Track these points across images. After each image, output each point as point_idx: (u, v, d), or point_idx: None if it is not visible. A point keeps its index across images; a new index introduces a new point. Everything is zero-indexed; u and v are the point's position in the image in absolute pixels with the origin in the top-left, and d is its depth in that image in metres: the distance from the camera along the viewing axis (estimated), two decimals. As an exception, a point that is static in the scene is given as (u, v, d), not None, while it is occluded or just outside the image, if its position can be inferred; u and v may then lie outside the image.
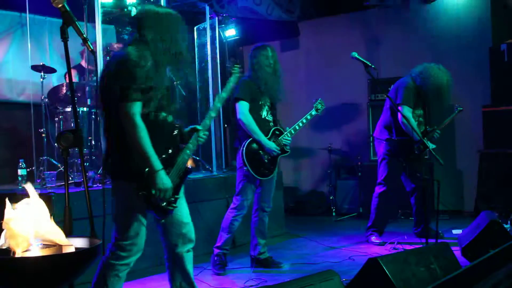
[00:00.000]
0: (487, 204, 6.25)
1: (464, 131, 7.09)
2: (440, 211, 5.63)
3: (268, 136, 4.46)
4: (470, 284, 2.45)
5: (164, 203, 2.80)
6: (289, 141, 4.54)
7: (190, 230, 3.02)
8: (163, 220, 2.89)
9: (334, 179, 7.67)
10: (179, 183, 2.92)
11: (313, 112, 4.69)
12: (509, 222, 5.40)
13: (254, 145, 4.41)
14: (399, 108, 5.03)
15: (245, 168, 4.37)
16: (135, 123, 2.64)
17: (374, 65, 4.40)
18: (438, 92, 5.21)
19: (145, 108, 2.71)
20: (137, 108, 2.66)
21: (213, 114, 3.21)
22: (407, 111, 5.10)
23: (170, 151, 2.87)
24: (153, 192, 2.72)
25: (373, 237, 5.38)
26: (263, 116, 4.50)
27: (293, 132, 4.55)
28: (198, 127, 3.07)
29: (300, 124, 4.58)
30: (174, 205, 2.86)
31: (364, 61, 4.41)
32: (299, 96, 7.79)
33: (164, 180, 2.73)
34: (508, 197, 6.07)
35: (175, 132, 2.94)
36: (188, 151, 2.97)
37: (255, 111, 4.45)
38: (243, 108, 4.40)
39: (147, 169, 2.70)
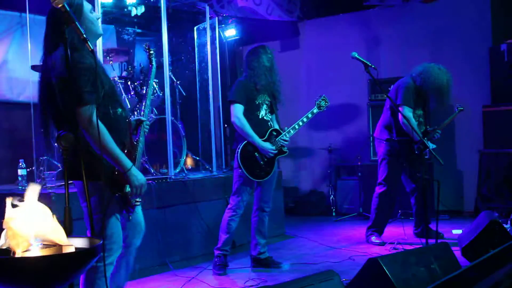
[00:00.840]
0: (487, 204, 6.25)
1: (464, 131, 7.09)
2: (440, 211, 5.63)
3: (265, 137, 4.44)
4: (470, 284, 2.45)
5: (133, 200, 2.77)
6: (287, 142, 4.49)
7: (143, 227, 3.03)
8: (130, 217, 2.87)
9: (334, 179, 7.66)
10: None
11: (315, 110, 4.58)
12: (509, 222, 5.39)
13: (250, 147, 4.39)
14: (400, 108, 5.03)
15: (239, 170, 4.37)
16: (98, 127, 2.55)
17: (374, 65, 4.39)
18: (438, 92, 5.21)
19: (102, 107, 2.66)
20: (95, 111, 2.58)
21: (148, 102, 3.27)
22: (407, 111, 5.10)
23: (128, 147, 2.82)
24: (128, 190, 2.69)
25: (373, 237, 5.38)
26: (260, 116, 4.48)
27: (292, 132, 4.49)
28: (142, 118, 3.05)
29: (300, 123, 4.51)
30: (138, 200, 2.83)
31: (364, 61, 4.40)
32: (299, 96, 7.79)
33: (139, 176, 2.70)
34: (508, 197, 6.07)
35: (128, 127, 2.89)
36: (141, 145, 2.96)
37: (251, 111, 4.44)
38: (236, 111, 4.39)
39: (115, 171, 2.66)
